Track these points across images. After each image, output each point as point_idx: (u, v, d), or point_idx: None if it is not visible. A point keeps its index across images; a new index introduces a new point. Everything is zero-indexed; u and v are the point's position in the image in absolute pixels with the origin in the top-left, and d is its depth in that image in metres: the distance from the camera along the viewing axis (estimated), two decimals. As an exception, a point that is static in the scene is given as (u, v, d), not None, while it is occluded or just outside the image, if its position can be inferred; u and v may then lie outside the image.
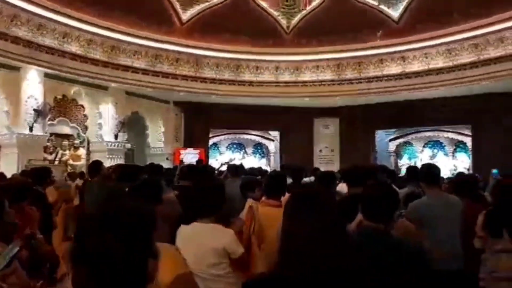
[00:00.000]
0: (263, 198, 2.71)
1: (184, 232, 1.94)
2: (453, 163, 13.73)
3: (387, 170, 4.88)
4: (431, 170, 2.97)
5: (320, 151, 13.06)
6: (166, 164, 9.81)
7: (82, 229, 0.87)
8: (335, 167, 11.02)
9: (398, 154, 14.60)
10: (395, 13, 10.29)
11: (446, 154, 14.14)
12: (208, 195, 1.94)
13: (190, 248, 1.80)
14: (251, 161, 14.43)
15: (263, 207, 2.56)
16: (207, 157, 12.24)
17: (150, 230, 0.88)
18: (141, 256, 0.86)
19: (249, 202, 2.75)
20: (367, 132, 12.62)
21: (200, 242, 1.85)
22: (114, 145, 10.06)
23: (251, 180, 3.37)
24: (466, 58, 9.80)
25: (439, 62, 10.19)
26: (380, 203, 1.71)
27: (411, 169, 4.33)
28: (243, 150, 15.01)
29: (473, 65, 9.64)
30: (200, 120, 12.13)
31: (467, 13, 9.19)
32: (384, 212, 1.71)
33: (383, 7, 10.26)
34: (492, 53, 9.34)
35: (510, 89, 10.03)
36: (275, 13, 10.86)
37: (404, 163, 13.99)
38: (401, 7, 10.14)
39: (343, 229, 1.26)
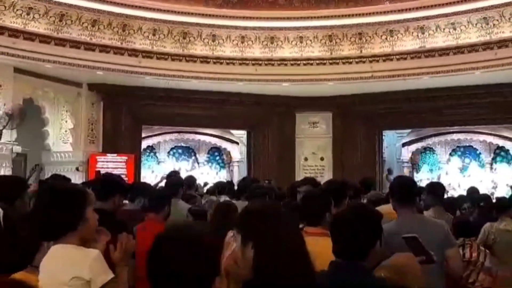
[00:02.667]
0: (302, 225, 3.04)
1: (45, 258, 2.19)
2: (492, 178, 14.03)
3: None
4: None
5: (305, 159, 13.13)
6: (76, 177, 9.97)
7: (157, 254, 1.41)
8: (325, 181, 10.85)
9: (414, 164, 14.84)
10: (411, -37, 10.43)
11: (481, 165, 14.42)
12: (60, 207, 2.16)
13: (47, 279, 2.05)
14: (204, 173, 14.52)
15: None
16: (138, 167, 12.08)
17: (218, 253, 1.50)
18: (212, 275, 1.41)
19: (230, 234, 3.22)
20: (372, 133, 12.72)
21: (54, 271, 2.05)
22: (-4, 148, 9.81)
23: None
24: (508, 31, 9.96)
25: (472, 36, 10.35)
26: (349, 233, 2.00)
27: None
28: (193, 157, 14.97)
29: (517, 41, 9.84)
30: (129, 113, 12.05)
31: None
32: (356, 246, 1.99)
33: (394, -46, 10.39)
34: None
35: None
36: (240, -42, 10.90)
37: (423, 177, 14.24)
38: (420, -45, 10.31)
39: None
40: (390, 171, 13.47)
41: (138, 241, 2.82)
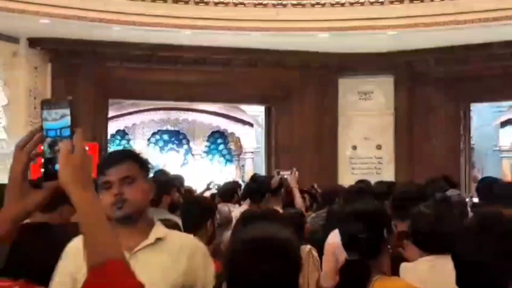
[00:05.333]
0: None
1: None
2: None
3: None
4: None
5: (354, 148, 13.25)
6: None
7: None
8: (384, 179, 10.78)
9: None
10: None
11: None
12: None
13: None
14: (201, 171, 14.61)
15: None
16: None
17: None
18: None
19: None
20: (455, 108, 12.79)
21: None
22: None
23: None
24: None
25: None
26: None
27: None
28: (186, 146, 15.32)
29: None
30: (89, 81, 12.27)
31: None
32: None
33: None
34: None
35: None
36: None
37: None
38: None
39: None
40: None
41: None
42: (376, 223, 3.17)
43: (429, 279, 3.16)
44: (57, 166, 1.55)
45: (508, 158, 14.80)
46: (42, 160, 1.61)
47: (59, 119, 1.54)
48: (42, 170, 1.59)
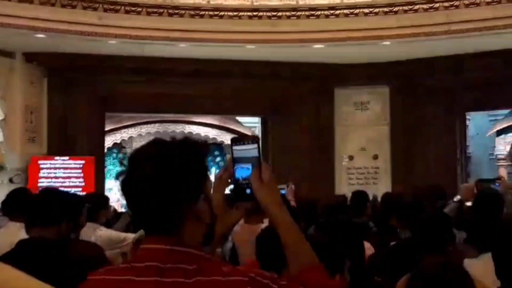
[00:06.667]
0: None
1: None
2: None
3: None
4: None
5: (351, 158, 13.28)
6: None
7: None
8: (381, 189, 10.91)
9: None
10: None
11: None
12: None
13: None
14: None
15: None
16: (101, 174, 12.30)
17: None
18: None
19: None
20: (450, 117, 12.81)
21: None
22: None
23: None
24: None
25: None
26: None
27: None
28: None
29: None
30: (86, 95, 12.31)
31: None
32: None
33: None
34: None
35: None
36: None
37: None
38: None
39: None
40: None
41: None
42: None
43: (485, 275, 3.31)
44: (248, 190, 1.94)
45: (505, 167, 14.76)
46: (233, 186, 2.00)
47: (247, 151, 1.93)
48: (233, 193, 2.00)
